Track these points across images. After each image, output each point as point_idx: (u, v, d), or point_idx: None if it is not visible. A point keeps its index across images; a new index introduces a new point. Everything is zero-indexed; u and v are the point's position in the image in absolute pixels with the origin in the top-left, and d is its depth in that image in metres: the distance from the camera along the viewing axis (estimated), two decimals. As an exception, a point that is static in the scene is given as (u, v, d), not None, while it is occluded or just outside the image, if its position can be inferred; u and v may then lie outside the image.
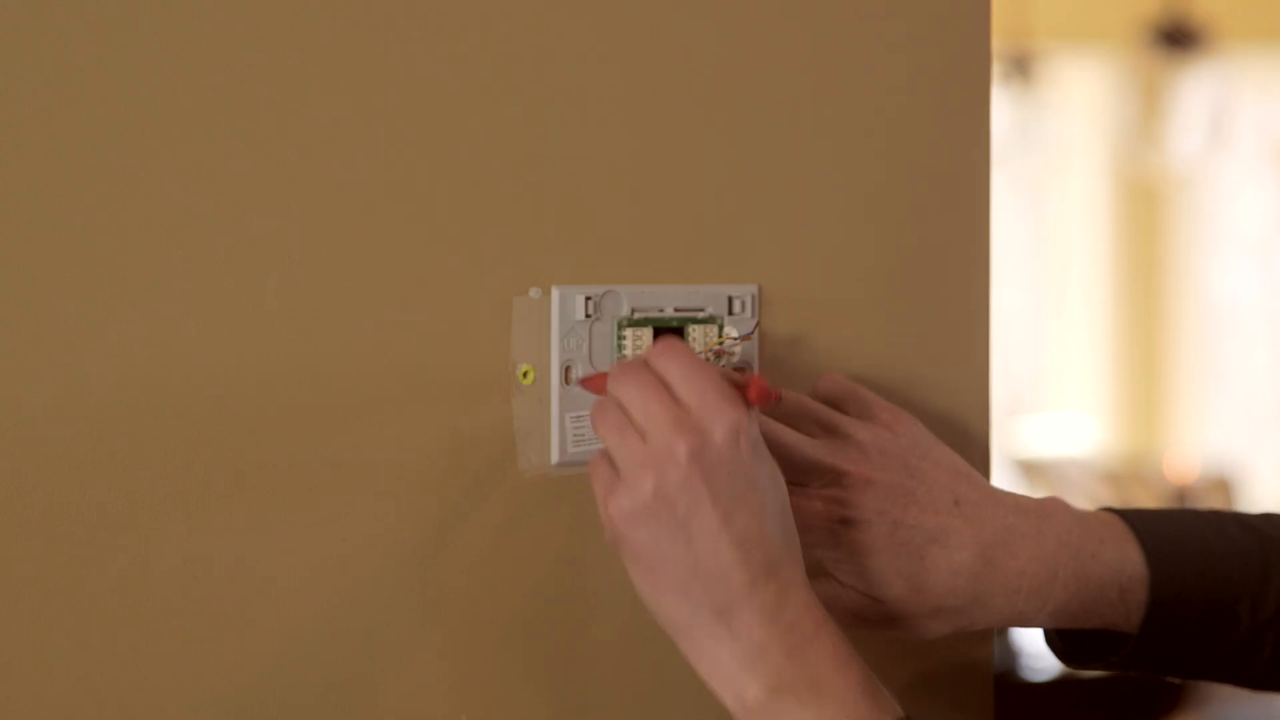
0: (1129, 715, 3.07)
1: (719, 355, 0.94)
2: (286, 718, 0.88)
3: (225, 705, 0.87)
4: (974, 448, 1.02)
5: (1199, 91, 4.20)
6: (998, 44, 3.99)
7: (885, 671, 0.95)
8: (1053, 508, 0.94)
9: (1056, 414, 5.57)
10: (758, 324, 0.96)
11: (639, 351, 0.93)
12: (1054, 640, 0.98)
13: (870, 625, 0.92)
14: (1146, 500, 4.59)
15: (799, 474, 0.91)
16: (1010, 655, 3.18)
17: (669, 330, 0.94)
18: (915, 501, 0.91)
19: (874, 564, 0.91)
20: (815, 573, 0.93)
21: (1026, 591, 0.92)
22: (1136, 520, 0.96)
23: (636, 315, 0.94)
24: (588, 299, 0.92)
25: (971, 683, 1.03)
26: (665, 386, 0.84)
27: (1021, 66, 4.42)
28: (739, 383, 0.86)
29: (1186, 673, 0.97)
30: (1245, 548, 0.96)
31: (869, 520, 0.90)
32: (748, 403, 0.85)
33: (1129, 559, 0.94)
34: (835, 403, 0.96)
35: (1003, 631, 3.22)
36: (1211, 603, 0.94)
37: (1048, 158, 5.31)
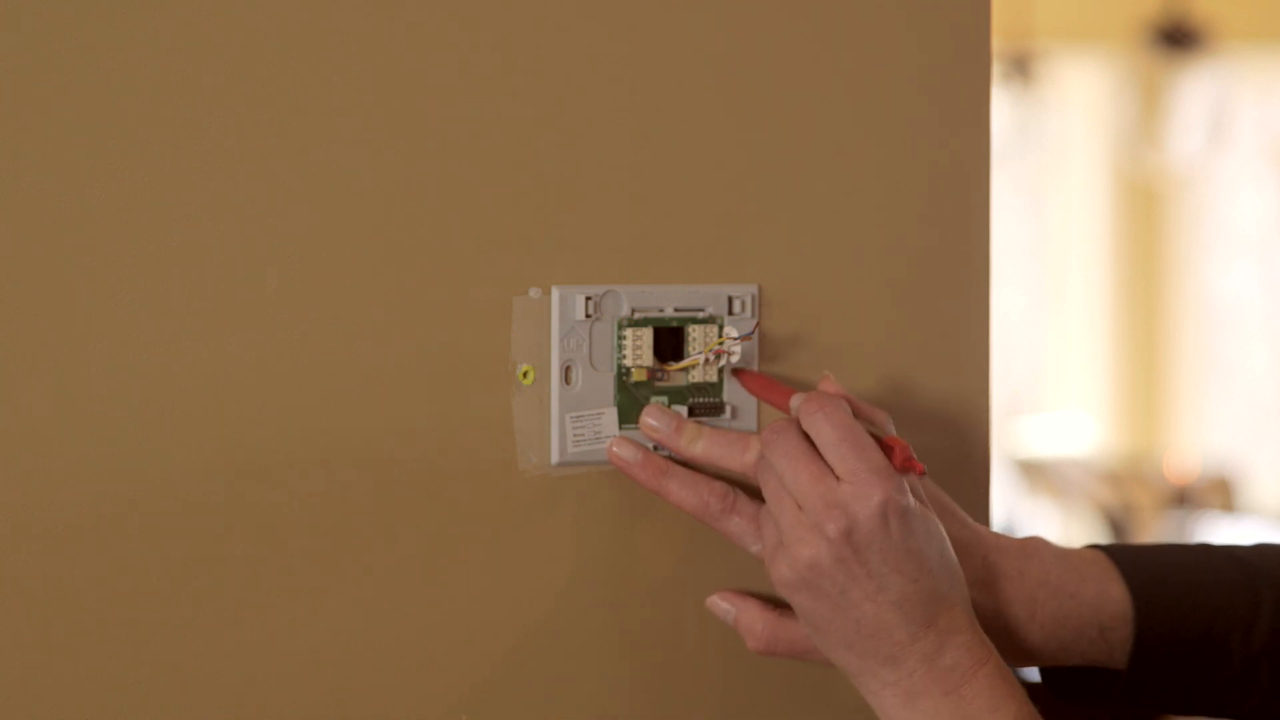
0: (1128, 715, 3.07)
1: (719, 355, 0.94)
2: (285, 718, 0.88)
3: (224, 706, 0.87)
4: (974, 448, 1.02)
5: (1199, 91, 4.20)
6: (998, 44, 4.00)
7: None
8: (1034, 547, 0.95)
9: (1056, 414, 5.57)
10: (758, 324, 0.96)
11: (639, 353, 0.93)
12: (1050, 678, 0.99)
13: None
14: (1147, 500, 4.59)
15: None
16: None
17: (669, 330, 0.94)
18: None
19: None
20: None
21: (1002, 632, 0.94)
22: (1121, 556, 0.96)
23: (636, 315, 0.94)
24: (588, 299, 0.92)
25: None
26: (815, 452, 0.87)
27: (1021, 66, 4.42)
28: (884, 443, 0.88)
29: (1184, 708, 0.98)
30: (1232, 580, 0.97)
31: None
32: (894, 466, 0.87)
33: (1111, 597, 0.95)
34: None
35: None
36: (1201, 636, 0.95)
37: (1048, 158, 5.31)
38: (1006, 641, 0.93)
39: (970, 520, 0.95)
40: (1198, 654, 0.95)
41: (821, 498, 0.86)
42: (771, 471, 0.88)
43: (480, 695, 0.92)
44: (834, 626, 0.87)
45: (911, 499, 0.87)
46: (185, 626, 0.86)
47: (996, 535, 0.95)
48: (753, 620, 0.93)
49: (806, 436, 0.88)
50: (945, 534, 0.88)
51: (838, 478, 0.86)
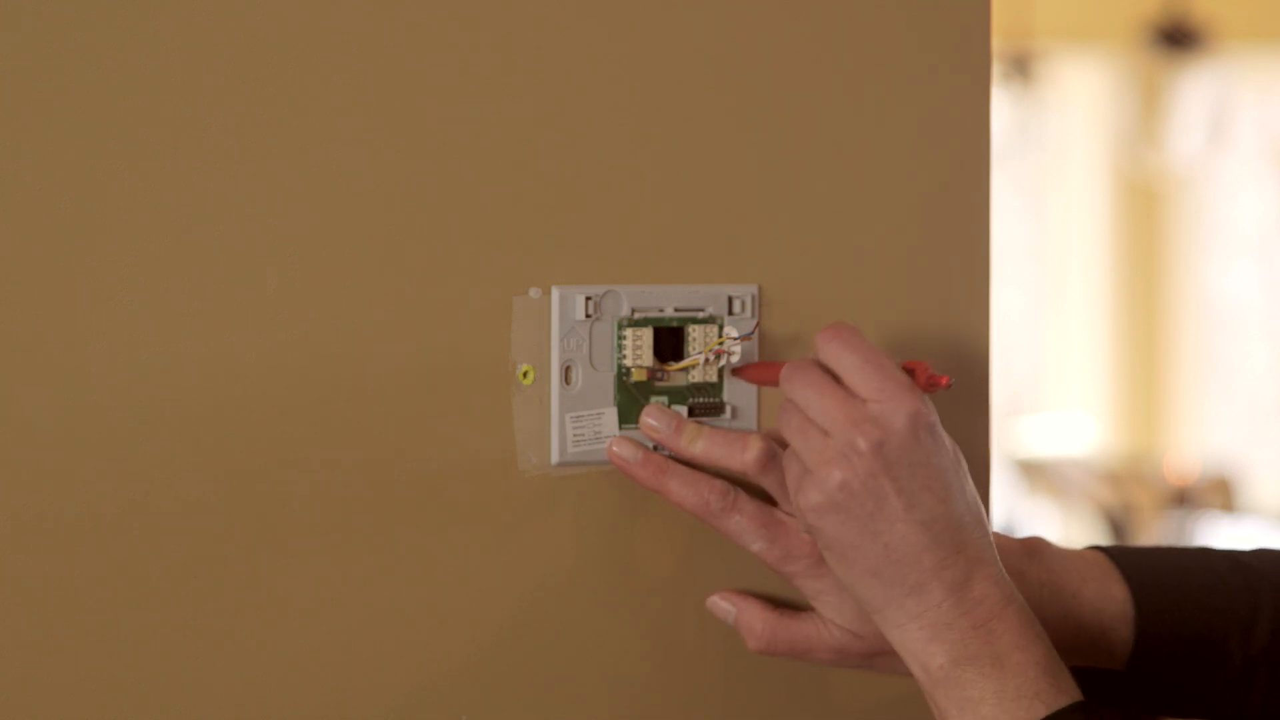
0: (1127, 715, 3.07)
1: (719, 355, 0.94)
2: (286, 718, 0.88)
3: (224, 706, 0.87)
4: (974, 448, 1.02)
5: (1199, 91, 4.20)
6: (998, 44, 3.99)
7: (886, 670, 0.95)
8: (1035, 547, 0.95)
9: (1056, 414, 5.57)
10: (758, 324, 0.96)
11: (639, 353, 0.93)
12: None
13: (853, 662, 0.93)
14: (1147, 500, 4.58)
15: (784, 503, 0.92)
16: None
17: (669, 330, 0.94)
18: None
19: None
20: (801, 607, 0.94)
21: None
22: (1122, 557, 0.96)
23: (636, 315, 0.94)
24: (588, 299, 0.92)
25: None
26: (837, 380, 0.86)
27: (1021, 66, 4.42)
28: (904, 366, 0.88)
29: (1184, 710, 0.98)
30: (1232, 582, 0.97)
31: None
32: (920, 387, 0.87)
33: (1112, 598, 0.95)
34: None
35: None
36: (1200, 637, 0.95)
37: (1048, 158, 5.31)
38: None
39: None
40: (1197, 655, 0.95)
41: (849, 417, 0.85)
42: (792, 408, 0.88)
43: (480, 695, 0.92)
44: (861, 553, 0.85)
45: (938, 418, 0.86)
46: (184, 627, 0.86)
47: (997, 535, 0.95)
48: (753, 620, 0.93)
49: (825, 370, 0.88)
50: (966, 467, 0.88)
51: (864, 400, 0.85)
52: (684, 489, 0.92)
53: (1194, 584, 0.96)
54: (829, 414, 0.86)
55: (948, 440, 0.87)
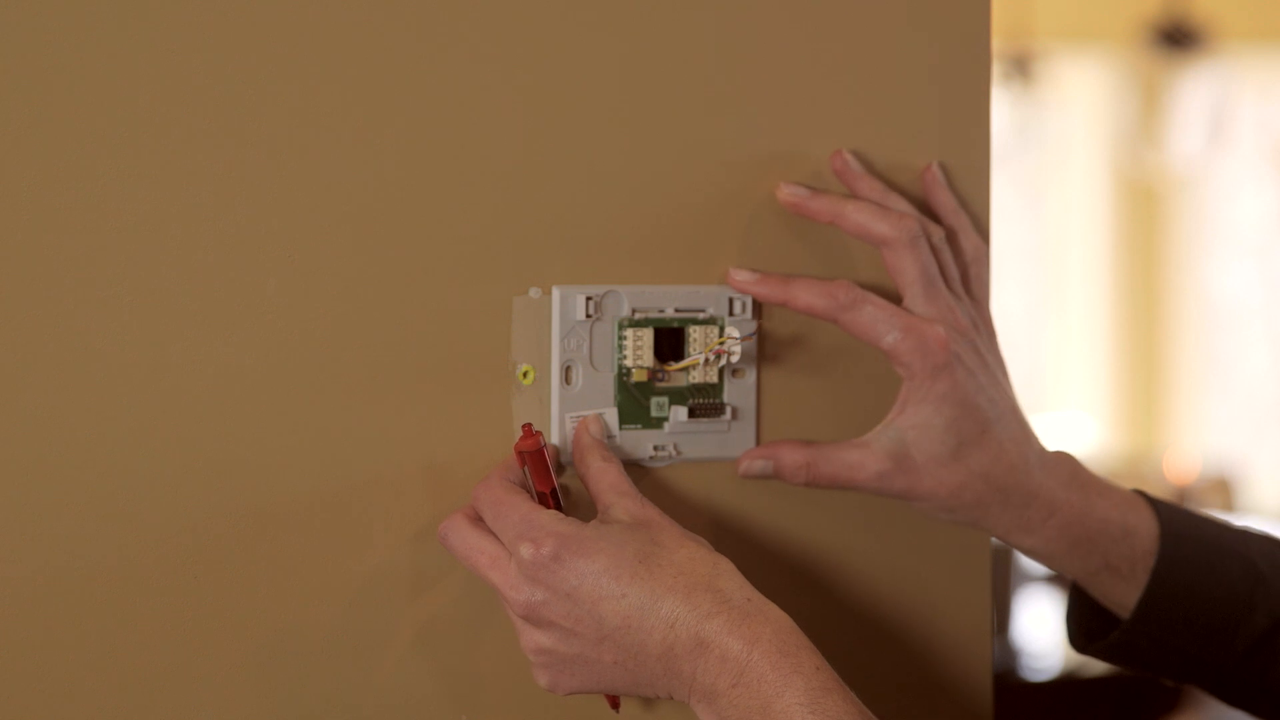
0: (1129, 716, 3.07)
1: (719, 355, 0.94)
2: (288, 718, 0.88)
3: (226, 705, 0.87)
4: (974, 448, 1.01)
5: (1199, 91, 4.20)
6: (998, 44, 3.99)
7: (885, 671, 0.95)
8: (1068, 456, 0.98)
9: (1056, 414, 5.57)
10: (758, 324, 0.96)
11: (639, 353, 0.93)
12: (1070, 614, 1.00)
13: (895, 490, 0.94)
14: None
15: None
16: (1010, 655, 3.18)
17: (669, 330, 0.94)
18: (999, 386, 0.95)
19: (948, 413, 0.92)
20: (868, 424, 0.94)
21: (1037, 505, 0.94)
22: (1150, 496, 0.99)
23: (637, 315, 0.94)
24: (588, 299, 0.92)
25: (971, 683, 1.03)
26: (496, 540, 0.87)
27: (1021, 66, 4.42)
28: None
29: (1197, 663, 0.97)
30: (1259, 546, 0.99)
31: (971, 370, 0.93)
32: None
33: (1135, 510, 0.97)
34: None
35: (1003, 631, 3.22)
36: (1222, 581, 0.96)
37: (1048, 158, 5.31)
38: (1038, 513, 0.95)
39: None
40: (1216, 599, 0.96)
41: (503, 589, 0.85)
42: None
43: (481, 695, 0.92)
44: (602, 668, 0.85)
45: (551, 549, 0.84)
46: (184, 626, 0.86)
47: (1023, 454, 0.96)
48: (793, 455, 0.93)
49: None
50: (644, 549, 0.85)
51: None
52: (809, 292, 0.92)
53: (1219, 532, 0.99)
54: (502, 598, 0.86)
55: (569, 565, 0.84)
